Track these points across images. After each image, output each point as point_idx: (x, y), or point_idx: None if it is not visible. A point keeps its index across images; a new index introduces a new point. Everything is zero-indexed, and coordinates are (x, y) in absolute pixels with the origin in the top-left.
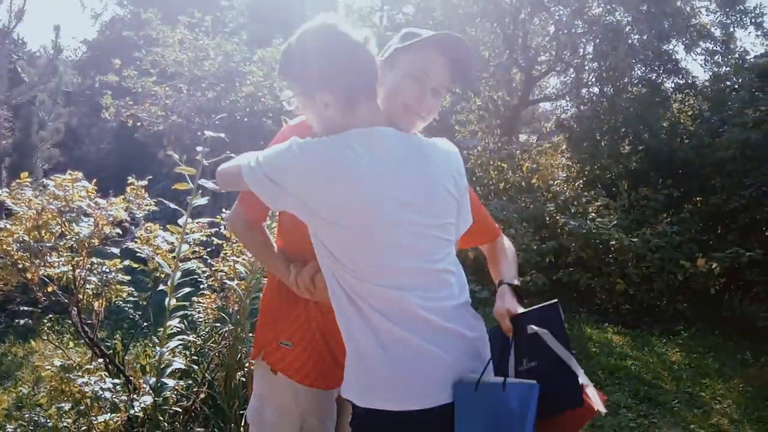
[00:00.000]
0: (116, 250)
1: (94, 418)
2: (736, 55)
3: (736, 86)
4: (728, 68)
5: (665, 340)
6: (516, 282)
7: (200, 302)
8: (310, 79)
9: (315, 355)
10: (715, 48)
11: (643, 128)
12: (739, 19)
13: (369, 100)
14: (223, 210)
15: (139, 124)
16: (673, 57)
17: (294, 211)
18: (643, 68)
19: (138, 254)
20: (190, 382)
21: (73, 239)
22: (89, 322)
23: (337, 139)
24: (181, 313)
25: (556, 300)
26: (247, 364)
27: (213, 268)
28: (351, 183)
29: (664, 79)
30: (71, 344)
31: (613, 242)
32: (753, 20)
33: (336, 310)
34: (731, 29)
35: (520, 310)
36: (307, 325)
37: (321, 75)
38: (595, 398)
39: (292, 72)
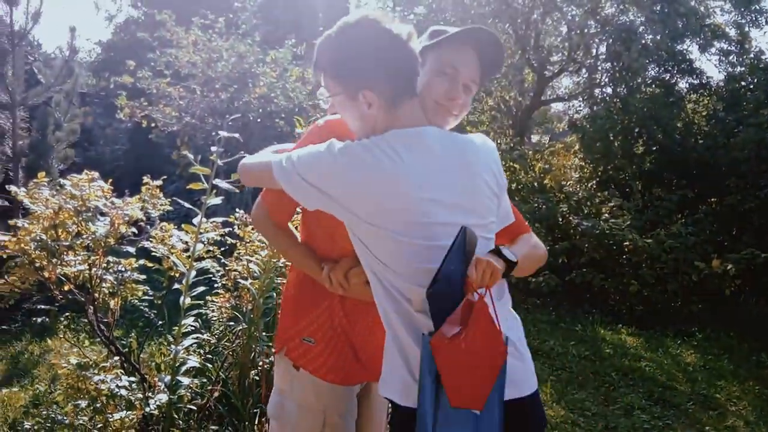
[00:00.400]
0: (132, 250)
1: (110, 416)
2: (751, 55)
3: (752, 86)
4: (743, 68)
5: (679, 341)
6: (506, 249)
7: (214, 301)
8: (353, 78)
9: (336, 352)
10: (729, 48)
11: (656, 128)
12: (754, 18)
13: (412, 99)
14: (237, 210)
15: (153, 125)
16: (687, 57)
17: (331, 212)
18: (657, 68)
19: (153, 253)
20: (205, 380)
21: (89, 238)
22: (105, 320)
23: (379, 141)
24: (195, 311)
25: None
26: (260, 363)
27: (227, 268)
28: (394, 186)
29: (678, 80)
30: (87, 342)
31: (627, 243)
32: None
33: (379, 309)
34: (746, 29)
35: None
36: (329, 323)
37: (366, 73)
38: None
39: (332, 69)
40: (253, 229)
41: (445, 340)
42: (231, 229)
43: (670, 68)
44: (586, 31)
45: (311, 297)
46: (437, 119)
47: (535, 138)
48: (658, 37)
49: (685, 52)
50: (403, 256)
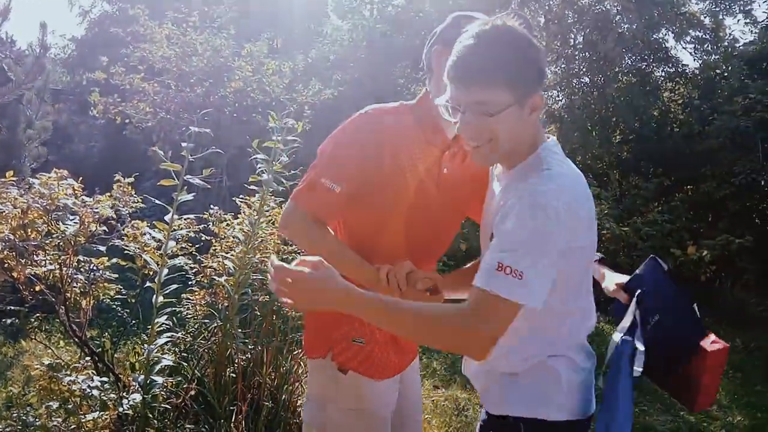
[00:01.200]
0: (102, 248)
1: (83, 417)
2: (726, 43)
3: (726, 74)
4: (717, 56)
5: None
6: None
7: (189, 299)
8: (527, 83)
9: (384, 348)
10: (704, 36)
11: (633, 117)
12: (728, 6)
13: None
14: (211, 206)
15: (127, 121)
16: (663, 45)
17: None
18: (633, 57)
19: (126, 252)
20: (180, 378)
21: (60, 237)
22: (77, 320)
23: (572, 175)
24: (169, 310)
25: (651, 256)
26: (236, 360)
27: (202, 264)
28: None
29: (654, 68)
30: (62, 343)
31: (605, 231)
32: (741, 8)
33: (519, 335)
34: (720, 17)
35: (624, 278)
36: None
37: (536, 77)
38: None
39: (509, 77)
40: (285, 236)
41: (719, 352)
42: (206, 225)
43: (646, 57)
44: (563, 21)
45: None
46: None
47: None
48: (634, 26)
49: (660, 40)
50: (576, 284)
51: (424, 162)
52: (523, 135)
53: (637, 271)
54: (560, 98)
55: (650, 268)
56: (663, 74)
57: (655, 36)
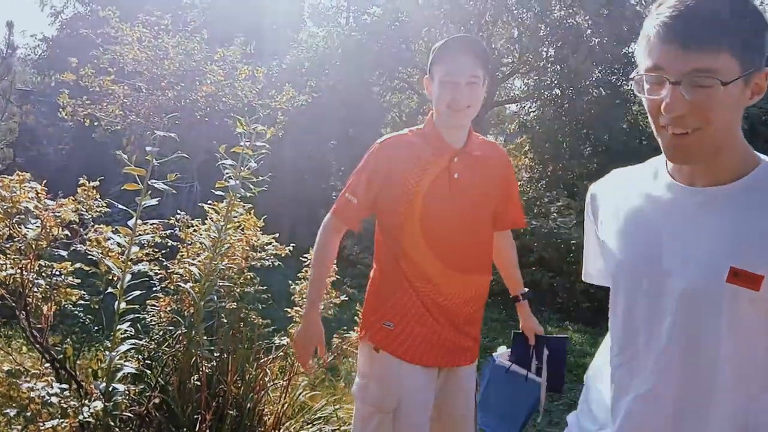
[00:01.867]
0: (65, 253)
1: (42, 425)
2: None
3: None
4: None
5: None
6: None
7: (154, 305)
8: (757, 53)
9: (412, 335)
10: None
11: (603, 129)
12: None
13: None
14: (179, 211)
15: (96, 123)
16: (633, 60)
17: None
18: (603, 70)
19: (90, 257)
20: (143, 386)
21: (21, 241)
22: (39, 326)
23: None
24: (133, 316)
25: (566, 336)
26: (202, 368)
27: (169, 271)
28: None
29: (624, 82)
30: (24, 349)
31: (574, 242)
32: None
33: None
34: None
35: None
36: (404, 310)
37: (765, 49)
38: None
39: (734, 40)
40: None
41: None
42: (172, 231)
43: (616, 70)
44: (536, 34)
45: (390, 288)
46: (455, 118)
47: (489, 139)
48: (605, 41)
49: (630, 54)
50: None
51: (434, 170)
52: (735, 128)
53: (552, 336)
54: (533, 109)
55: (558, 342)
56: (632, 88)
57: (624, 50)
